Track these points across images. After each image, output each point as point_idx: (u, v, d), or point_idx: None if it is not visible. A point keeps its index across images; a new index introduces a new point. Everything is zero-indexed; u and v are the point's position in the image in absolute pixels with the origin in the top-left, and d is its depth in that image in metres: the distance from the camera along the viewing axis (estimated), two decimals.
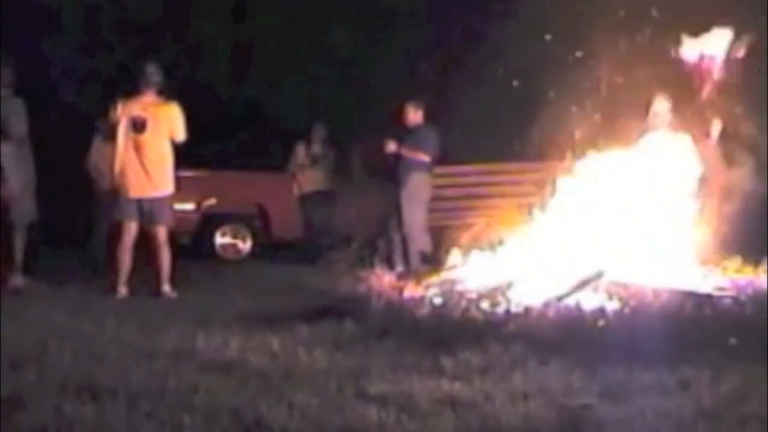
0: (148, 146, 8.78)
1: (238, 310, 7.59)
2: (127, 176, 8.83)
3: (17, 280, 9.13)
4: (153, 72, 8.91)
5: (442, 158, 11.29)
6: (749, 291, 6.82)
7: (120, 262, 8.84)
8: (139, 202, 8.86)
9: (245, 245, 13.77)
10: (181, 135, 8.86)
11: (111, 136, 9.01)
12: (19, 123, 9.06)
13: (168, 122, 8.82)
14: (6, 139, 9.04)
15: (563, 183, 7.77)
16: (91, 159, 11.50)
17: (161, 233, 8.89)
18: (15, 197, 9.17)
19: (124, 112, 8.85)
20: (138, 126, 8.73)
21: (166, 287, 8.81)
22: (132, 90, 8.91)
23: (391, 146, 10.66)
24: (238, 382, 5.06)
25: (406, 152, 10.63)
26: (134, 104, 8.84)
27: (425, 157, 10.66)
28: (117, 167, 8.90)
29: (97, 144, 11.43)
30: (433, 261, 8.57)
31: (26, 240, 9.22)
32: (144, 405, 4.55)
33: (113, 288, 8.77)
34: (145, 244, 8.98)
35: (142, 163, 8.78)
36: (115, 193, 9.00)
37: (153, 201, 8.86)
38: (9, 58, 9.34)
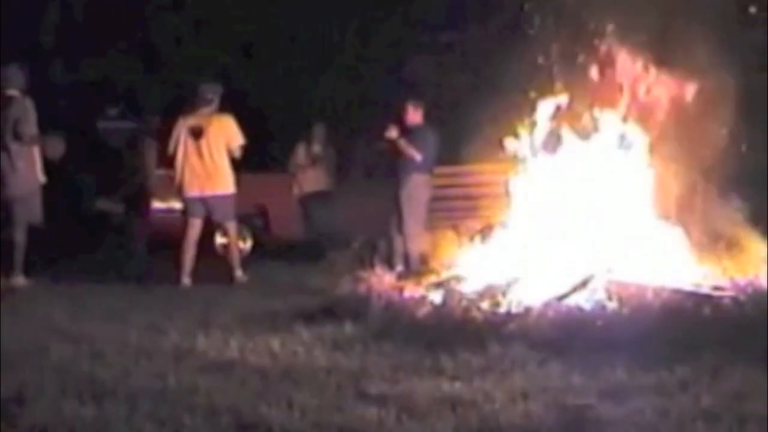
0: (207, 151, 9.70)
1: (238, 310, 7.60)
2: (190, 178, 9.76)
3: (17, 280, 9.14)
4: (206, 90, 9.88)
5: (443, 158, 11.27)
6: (749, 291, 6.82)
7: (184, 254, 9.72)
8: (202, 201, 9.77)
9: (245, 245, 13.76)
10: (238, 143, 9.75)
11: (174, 147, 9.82)
12: (28, 124, 9.17)
13: (224, 131, 9.78)
14: (17, 140, 9.12)
15: (562, 182, 7.77)
16: None
17: (231, 228, 10.06)
18: (21, 197, 9.21)
19: (183, 124, 9.83)
20: (196, 133, 9.70)
21: (239, 272, 9.85)
22: (189, 107, 9.95)
23: (392, 132, 10.66)
24: (238, 382, 5.06)
25: (403, 145, 10.63)
26: (192, 117, 9.84)
27: (420, 158, 10.66)
28: (179, 171, 9.80)
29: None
30: (433, 261, 8.58)
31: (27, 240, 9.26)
32: (144, 405, 4.55)
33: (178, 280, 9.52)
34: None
35: (203, 166, 9.72)
36: (179, 193, 9.95)
37: (215, 199, 9.78)
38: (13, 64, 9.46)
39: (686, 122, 8.13)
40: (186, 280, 9.64)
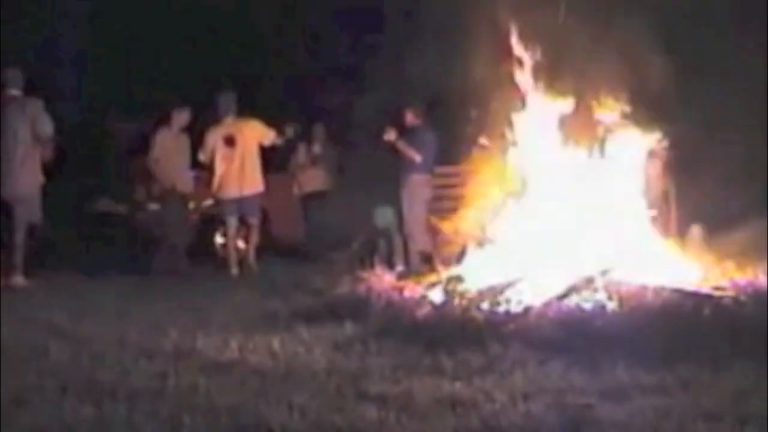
0: (239, 156, 10.91)
1: (238, 310, 7.60)
2: (226, 181, 10.99)
3: (17, 280, 9.13)
4: (225, 100, 11.06)
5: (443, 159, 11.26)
6: (749, 291, 6.81)
7: (228, 249, 11.11)
8: (238, 201, 10.98)
9: (245, 245, 13.75)
10: (271, 137, 10.98)
11: (211, 156, 11.02)
12: (45, 124, 9.17)
13: (254, 134, 10.98)
14: (34, 140, 9.12)
15: (561, 181, 7.76)
16: (152, 154, 11.48)
17: (254, 222, 11.17)
18: (21, 197, 9.21)
19: (215, 135, 11.01)
20: (229, 142, 10.92)
21: (251, 259, 11.02)
22: (215, 118, 11.10)
23: (391, 134, 10.68)
24: (238, 382, 5.06)
25: (403, 146, 10.64)
26: (221, 128, 11.04)
27: (420, 158, 10.67)
28: (217, 176, 10.99)
29: (160, 140, 11.44)
30: (433, 261, 8.56)
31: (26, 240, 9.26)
32: (144, 405, 4.55)
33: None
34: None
35: (237, 170, 10.90)
36: (217, 194, 11.23)
37: (246, 198, 11.00)
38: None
39: (684, 121, 8.15)
40: (234, 270, 10.83)
